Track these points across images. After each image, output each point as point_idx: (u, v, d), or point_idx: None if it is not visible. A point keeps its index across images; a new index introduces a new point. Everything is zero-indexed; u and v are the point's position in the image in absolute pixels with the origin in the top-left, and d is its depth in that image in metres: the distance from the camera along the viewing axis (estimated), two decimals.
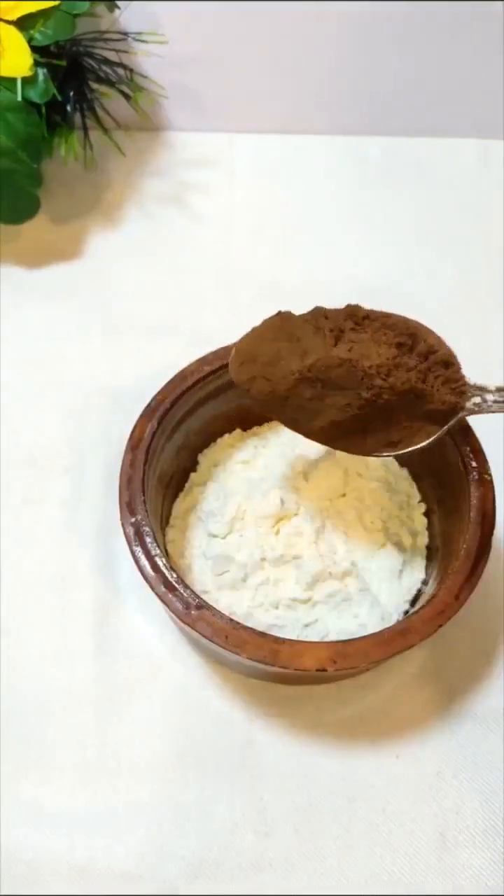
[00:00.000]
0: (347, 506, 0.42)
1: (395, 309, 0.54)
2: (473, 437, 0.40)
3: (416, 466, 0.45)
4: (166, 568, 0.36)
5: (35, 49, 0.48)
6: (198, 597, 0.36)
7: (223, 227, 0.58)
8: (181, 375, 0.42)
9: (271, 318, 0.37)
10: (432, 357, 0.36)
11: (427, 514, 0.45)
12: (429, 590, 0.41)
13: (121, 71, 0.55)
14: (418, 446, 0.37)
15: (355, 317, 0.37)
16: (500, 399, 0.36)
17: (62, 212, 0.58)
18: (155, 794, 0.39)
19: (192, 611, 0.35)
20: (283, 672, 0.36)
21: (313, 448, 0.45)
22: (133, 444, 0.40)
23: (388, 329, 0.37)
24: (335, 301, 0.55)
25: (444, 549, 0.42)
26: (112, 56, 0.55)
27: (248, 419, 0.47)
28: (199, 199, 0.59)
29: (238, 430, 0.47)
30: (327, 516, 0.42)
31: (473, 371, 0.52)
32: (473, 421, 0.40)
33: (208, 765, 0.40)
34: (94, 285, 0.55)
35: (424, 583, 0.42)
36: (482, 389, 0.37)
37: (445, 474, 0.42)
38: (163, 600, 0.36)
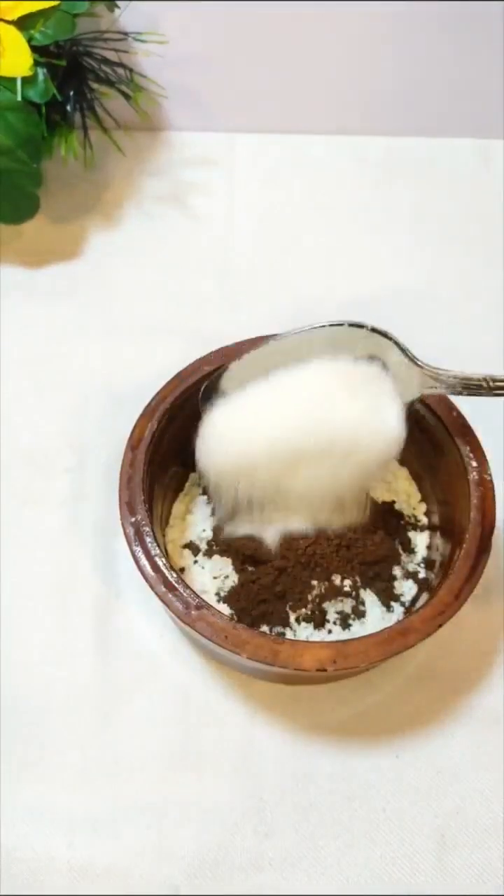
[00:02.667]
0: None
1: (394, 308, 0.54)
2: (473, 437, 0.40)
3: (416, 466, 0.45)
4: (166, 568, 0.36)
5: (35, 49, 0.48)
6: (198, 597, 0.36)
7: (223, 227, 0.58)
8: (181, 375, 0.42)
9: None
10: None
11: (427, 513, 0.45)
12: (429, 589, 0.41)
13: (121, 71, 0.55)
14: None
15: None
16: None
17: (62, 212, 0.58)
18: (155, 794, 0.39)
19: (192, 611, 0.35)
20: (283, 672, 0.36)
21: None
22: (133, 444, 0.40)
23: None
24: (334, 301, 0.55)
25: (444, 549, 0.42)
26: (112, 56, 0.55)
27: None
28: (199, 199, 0.59)
29: None
30: None
31: (473, 368, 0.52)
32: (473, 421, 0.40)
33: (208, 765, 0.40)
34: (94, 285, 0.55)
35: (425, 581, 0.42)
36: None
37: (445, 474, 0.42)
38: (163, 600, 0.36)
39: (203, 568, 0.42)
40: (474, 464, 0.39)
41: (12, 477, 0.47)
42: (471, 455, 0.39)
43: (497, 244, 0.58)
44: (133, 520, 0.38)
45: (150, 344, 0.52)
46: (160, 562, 0.37)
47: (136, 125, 0.60)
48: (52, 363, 0.52)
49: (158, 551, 0.37)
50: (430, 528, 0.44)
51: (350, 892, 0.38)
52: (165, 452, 0.42)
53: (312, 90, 0.61)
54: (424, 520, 0.44)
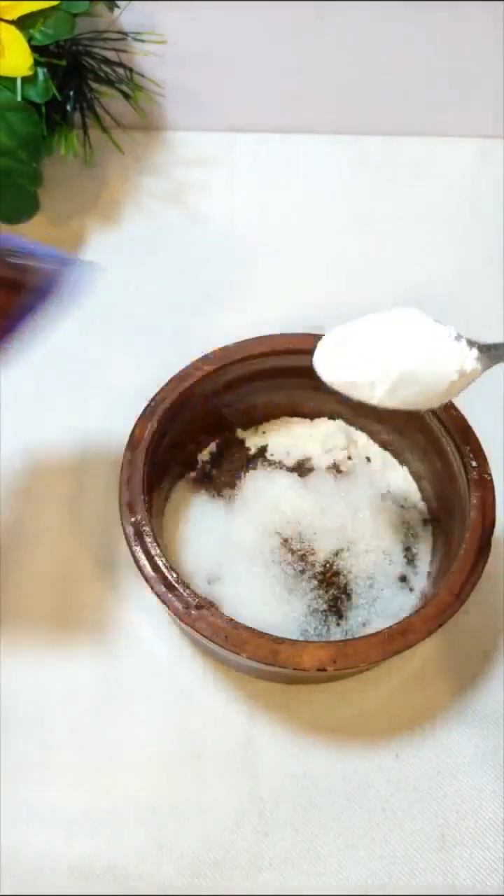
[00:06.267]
0: None
1: (393, 308, 0.54)
2: (473, 436, 0.40)
3: (416, 466, 0.45)
4: (166, 568, 0.36)
5: (35, 48, 0.48)
6: (198, 596, 0.36)
7: (223, 227, 0.58)
8: (181, 376, 0.42)
9: None
10: None
11: (427, 513, 0.45)
12: (429, 589, 0.41)
13: (120, 70, 0.55)
14: None
15: None
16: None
17: (62, 211, 0.58)
18: (155, 794, 0.39)
19: (192, 611, 0.35)
20: (283, 672, 0.36)
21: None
22: (133, 444, 0.40)
23: None
24: (334, 300, 0.55)
25: (444, 549, 0.42)
26: (111, 55, 0.55)
27: (248, 419, 0.47)
28: (199, 199, 0.59)
29: (238, 430, 0.47)
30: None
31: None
32: (473, 421, 0.40)
33: (208, 765, 0.40)
34: (94, 285, 0.55)
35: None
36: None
37: (445, 474, 0.42)
38: (163, 600, 0.36)
39: None
40: (474, 464, 0.39)
41: (12, 477, 0.47)
42: (471, 455, 0.39)
43: (497, 244, 0.58)
44: (133, 520, 0.38)
45: (150, 344, 0.52)
46: (160, 562, 0.37)
47: (136, 124, 0.60)
48: (52, 363, 0.52)
49: (158, 551, 0.37)
50: (431, 527, 0.44)
51: (350, 892, 0.38)
52: (165, 452, 0.42)
53: (312, 90, 0.61)
54: (424, 519, 0.44)
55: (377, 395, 0.34)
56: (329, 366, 0.35)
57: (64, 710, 0.41)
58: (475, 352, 0.35)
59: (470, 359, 0.34)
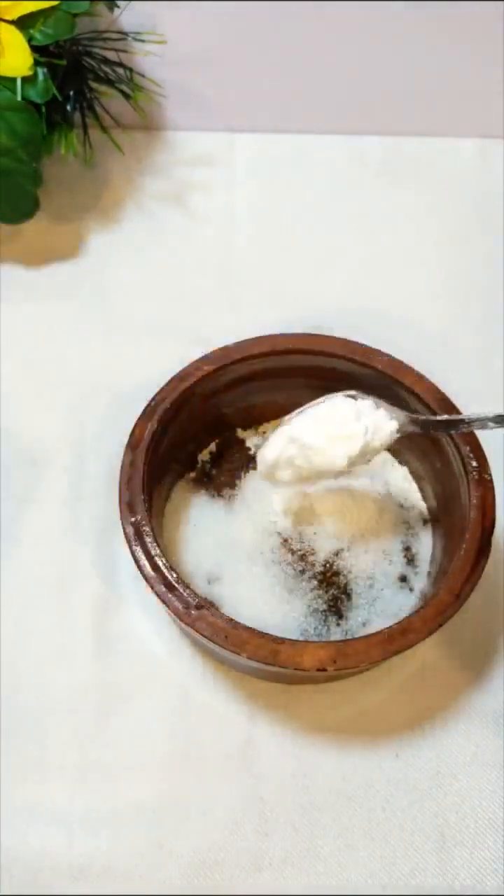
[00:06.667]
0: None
1: (392, 307, 0.54)
2: (474, 437, 0.40)
3: (416, 466, 0.45)
4: (166, 568, 0.36)
5: (35, 48, 0.48)
6: (198, 596, 0.36)
7: (223, 227, 0.58)
8: (181, 376, 0.42)
9: None
10: None
11: (427, 513, 0.45)
12: (429, 589, 0.42)
13: (120, 70, 0.55)
14: None
15: None
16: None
17: (62, 211, 0.58)
18: (155, 794, 0.39)
19: (191, 611, 0.35)
20: (283, 672, 0.36)
21: None
22: (133, 444, 0.40)
23: None
24: (334, 300, 0.55)
25: (444, 549, 0.42)
26: (111, 55, 0.55)
27: (248, 419, 0.47)
28: (199, 199, 0.59)
29: (238, 430, 0.47)
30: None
31: (473, 367, 0.52)
32: None
33: (208, 765, 0.40)
34: (94, 285, 0.55)
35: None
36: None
37: (445, 474, 0.42)
38: (162, 600, 0.36)
39: None
40: (474, 464, 0.39)
41: (12, 477, 0.47)
42: (471, 455, 0.39)
43: (497, 244, 0.58)
44: (133, 520, 0.38)
45: (150, 344, 0.52)
46: (160, 562, 0.37)
47: (136, 124, 0.60)
48: (52, 363, 0.52)
49: (158, 551, 0.37)
50: (431, 527, 0.44)
51: (350, 892, 0.38)
52: (165, 452, 0.42)
53: (312, 90, 0.61)
54: (424, 519, 0.44)
55: (314, 488, 0.41)
56: (270, 480, 0.40)
57: (64, 710, 0.41)
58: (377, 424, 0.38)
59: (376, 438, 0.38)
